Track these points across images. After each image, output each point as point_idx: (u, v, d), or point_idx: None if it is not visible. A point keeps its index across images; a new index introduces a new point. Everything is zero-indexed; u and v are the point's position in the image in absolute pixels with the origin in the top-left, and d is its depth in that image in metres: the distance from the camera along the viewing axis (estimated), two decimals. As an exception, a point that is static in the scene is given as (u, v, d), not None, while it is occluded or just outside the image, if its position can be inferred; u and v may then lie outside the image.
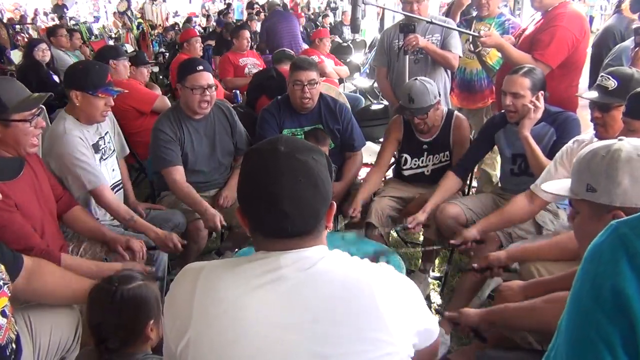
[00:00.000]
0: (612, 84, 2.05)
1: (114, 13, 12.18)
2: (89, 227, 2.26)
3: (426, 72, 3.32)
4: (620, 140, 1.20)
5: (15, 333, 1.53)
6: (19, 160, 1.64)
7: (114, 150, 2.61)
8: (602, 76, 2.12)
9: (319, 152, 1.03)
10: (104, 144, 2.51)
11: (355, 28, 4.80)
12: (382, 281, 1.00)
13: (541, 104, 2.41)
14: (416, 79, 2.70)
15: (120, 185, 2.65)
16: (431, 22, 3.19)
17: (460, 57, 3.43)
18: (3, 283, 1.47)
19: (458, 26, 3.60)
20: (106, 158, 2.52)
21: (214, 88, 2.71)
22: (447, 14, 4.39)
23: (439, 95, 2.75)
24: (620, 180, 1.13)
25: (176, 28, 11.08)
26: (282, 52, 4.51)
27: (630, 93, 1.85)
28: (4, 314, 1.45)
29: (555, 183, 1.45)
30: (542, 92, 2.42)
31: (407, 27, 3.20)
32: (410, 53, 3.27)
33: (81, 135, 2.33)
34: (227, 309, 0.95)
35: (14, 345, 1.50)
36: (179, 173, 2.68)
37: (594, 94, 2.11)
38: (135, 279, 1.48)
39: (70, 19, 14.12)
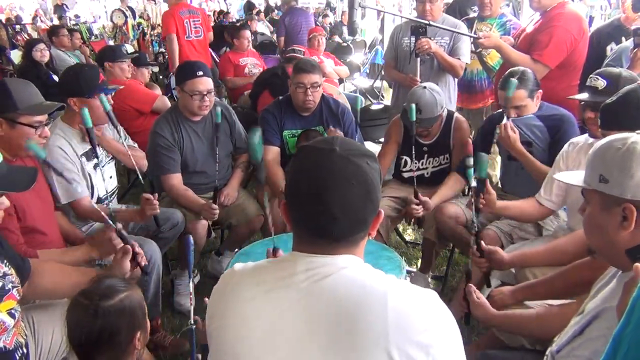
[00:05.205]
0: (601, 83, 2.11)
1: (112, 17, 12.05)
2: (64, 230, 2.24)
3: (431, 74, 3.28)
4: (638, 133, 1.20)
5: (25, 338, 1.53)
6: (34, 170, 1.61)
7: (111, 157, 2.59)
8: (591, 77, 2.17)
9: (373, 157, 1.00)
10: (99, 151, 2.48)
11: (352, 31, 4.75)
12: (405, 301, 0.94)
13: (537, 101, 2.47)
14: (425, 87, 2.64)
15: (117, 192, 2.64)
16: (429, 25, 3.12)
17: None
18: (12, 286, 1.48)
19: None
20: (103, 165, 2.50)
21: (213, 93, 2.71)
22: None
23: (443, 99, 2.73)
24: (633, 173, 1.13)
25: None
26: (295, 56, 4.40)
27: (602, 105, 1.86)
28: (12, 316, 1.46)
29: (568, 174, 1.45)
30: (540, 91, 2.45)
31: (418, 29, 3.13)
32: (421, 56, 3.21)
33: (65, 146, 2.29)
34: (241, 310, 0.99)
35: (24, 350, 1.50)
36: (176, 179, 2.72)
37: (585, 95, 2.16)
38: (118, 291, 1.36)
39: (70, 19, 14.07)
